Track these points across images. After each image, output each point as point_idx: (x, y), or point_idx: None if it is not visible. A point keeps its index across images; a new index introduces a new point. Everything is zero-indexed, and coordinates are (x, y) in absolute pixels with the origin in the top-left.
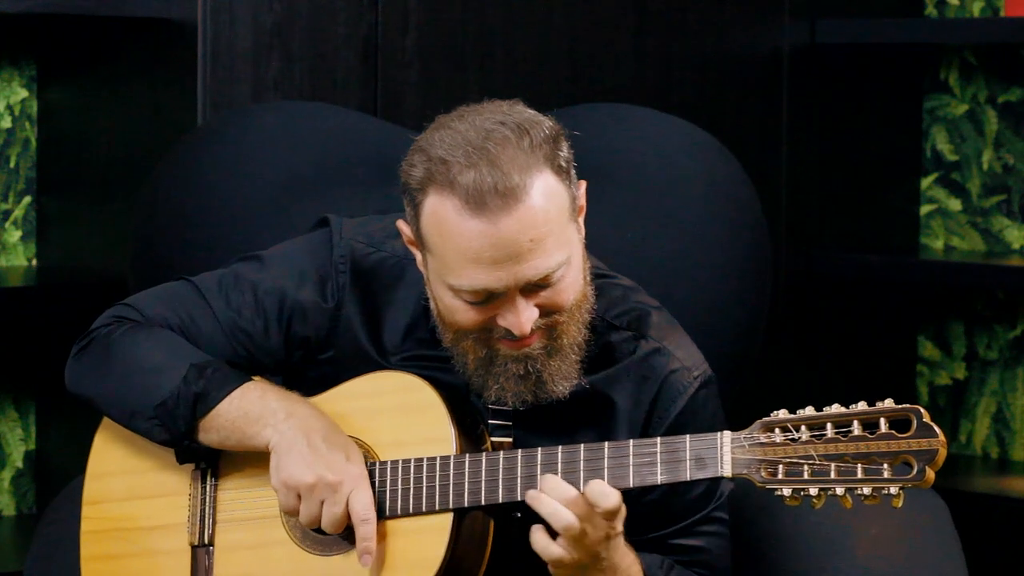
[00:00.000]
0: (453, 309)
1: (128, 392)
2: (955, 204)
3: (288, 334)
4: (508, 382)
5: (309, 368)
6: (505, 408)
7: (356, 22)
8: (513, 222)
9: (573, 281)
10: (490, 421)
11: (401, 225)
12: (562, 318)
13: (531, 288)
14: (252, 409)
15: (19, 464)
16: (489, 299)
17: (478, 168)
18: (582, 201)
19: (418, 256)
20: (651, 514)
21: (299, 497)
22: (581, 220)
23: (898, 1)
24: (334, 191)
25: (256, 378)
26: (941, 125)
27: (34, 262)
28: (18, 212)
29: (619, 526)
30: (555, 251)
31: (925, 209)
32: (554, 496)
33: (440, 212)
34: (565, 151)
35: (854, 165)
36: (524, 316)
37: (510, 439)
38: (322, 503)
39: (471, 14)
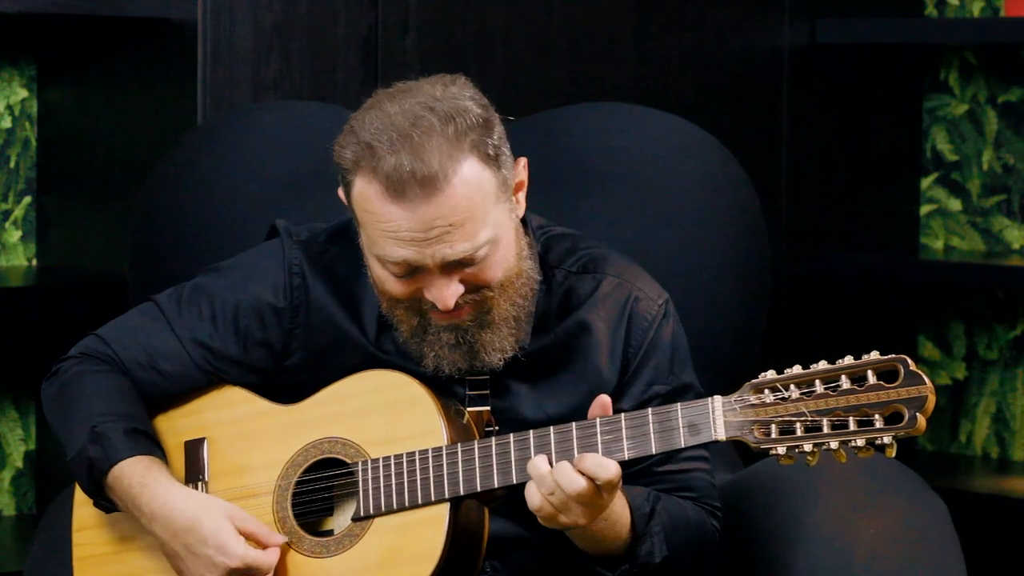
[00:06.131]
0: (383, 279)
1: (67, 436)
2: (955, 204)
3: (247, 341)
4: (443, 350)
5: (279, 375)
6: (482, 377)
7: (356, 22)
8: (431, 209)
9: (501, 259)
10: (468, 392)
11: (341, 194)
12: (491, 293)
13: (455, 265)
14: (128, 495)
15: (19, 464)
16: (414, 272)
17: (399, 156)
18: (521, 178)
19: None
20: None
21: None
22: (520, 196)
23: (898, 1)
24: (334, 191)
25: (144, 451)
26: (941, 125)
27: (34, 262)
28: (18, 212)
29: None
30: (477, 233)
31: (925, 209)
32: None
33: (366, 194)
34: (495, 137)
35: (854, 165)
36: (447, 292)
37: (488, 407)
38: None
39: (471, 14)
